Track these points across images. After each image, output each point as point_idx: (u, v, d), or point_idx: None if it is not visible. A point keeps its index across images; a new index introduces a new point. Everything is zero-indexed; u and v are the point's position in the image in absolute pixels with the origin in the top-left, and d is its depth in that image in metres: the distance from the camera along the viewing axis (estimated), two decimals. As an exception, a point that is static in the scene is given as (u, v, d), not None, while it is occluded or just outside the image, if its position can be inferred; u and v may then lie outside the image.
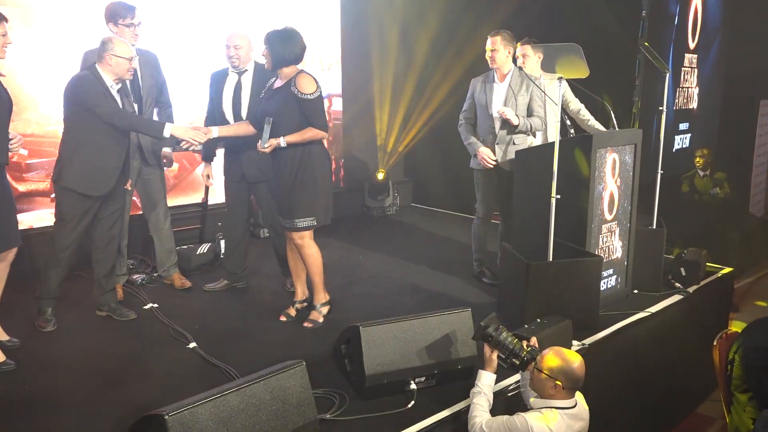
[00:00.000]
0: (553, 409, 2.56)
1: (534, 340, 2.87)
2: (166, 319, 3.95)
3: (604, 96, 4.25)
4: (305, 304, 4.01)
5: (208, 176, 4.49)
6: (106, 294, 3.95)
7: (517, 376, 3.05)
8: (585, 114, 4.68)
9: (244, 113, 4.10)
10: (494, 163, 4.33)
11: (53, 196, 4.14)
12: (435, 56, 6.92)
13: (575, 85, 4.44)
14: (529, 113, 4.31)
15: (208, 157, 4.44)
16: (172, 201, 5.12)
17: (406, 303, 4.27)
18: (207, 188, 5.13)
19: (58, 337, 3.71)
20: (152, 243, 4.61)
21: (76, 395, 3.09)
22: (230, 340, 3.72)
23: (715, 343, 2.98)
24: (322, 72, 6.56)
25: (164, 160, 4.47)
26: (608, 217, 4.12)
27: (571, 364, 2.57)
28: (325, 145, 3.89)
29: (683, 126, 7.43)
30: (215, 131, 3.86)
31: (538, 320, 3.36)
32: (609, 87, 4.89)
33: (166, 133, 3.71)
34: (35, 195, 4.94)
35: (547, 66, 4.30)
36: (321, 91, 3.67)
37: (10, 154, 3.41)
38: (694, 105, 7.55)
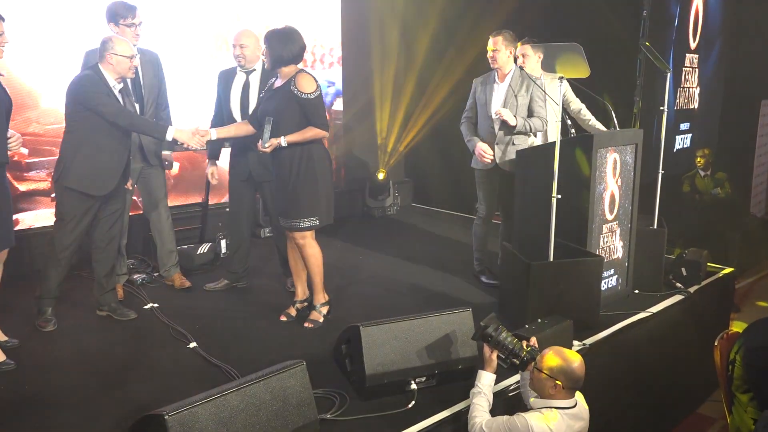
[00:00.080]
0: (553, 409, 2.55)
1: (534, 340, 2.86)
2: (167, 318, 3.94)
3: (604, 96, 4.24)
4: (306, 304, 4.00)
5: (212, 174, 4.49)
6: (106, 294, 3.95)
7: (517, 377, 3.05)
8: (586, 114, 4.67)
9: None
10: (491, 158, 4.33)
11: (53, 195, 4.14)
12: (435, 56, 6.92)
13: (576, 84, 4.43)
14: (530, 113, 4.30)
15: (213, 155, 4.45)
16: (173, 201, 5.12)
17: (406, 303, 4.27)
18: (207, 188, 5.14)
19: (59, 337, 3.70)
20: (153, 243, 4.61)
21: (76, 395, 3.08)
22: (230, 339, 3.72)
23: (716, 344, 2.98)
24: (323, 71, 6.57)
25: (165, 162, 4.47)
26: (609, 217, 4.11)
27: (571, 363, 2.57)
28: (326, 144, 3.89)
29: (684, 126, 7.42)
30: (213, 133, 3.86)
31: (539, 320, 3.36)
32: (610, 87, 4.90)
33: (169, 136, 3.72)
34: (35, 194, 4.93)
35: (548, 65, 4.30)
36: (321, 91, 3.67)
37: (10, 153, 3.41)
38: (695, 105, 7.55)
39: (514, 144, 4.30)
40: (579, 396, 2.66)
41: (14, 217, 4.64)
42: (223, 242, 5.12)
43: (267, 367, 2.65)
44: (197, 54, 5.50)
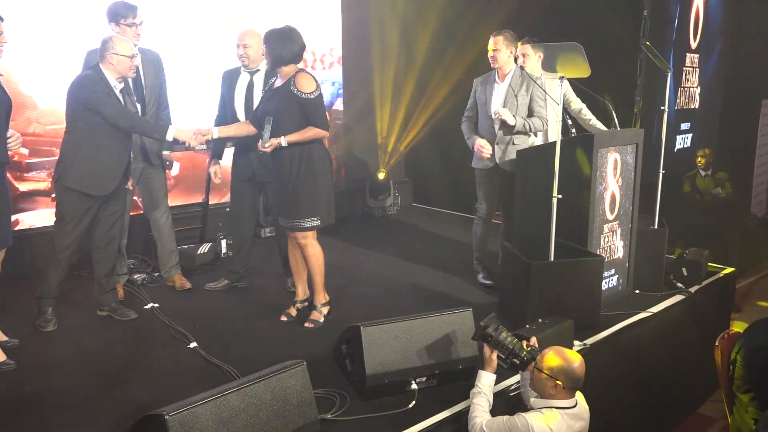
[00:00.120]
0: (553, 409, 2.55)
1: (534, 340, 2.86)
2: (167, 318, 3.94)
3: (605, 95, 4.24)
4: (306, 303, 4.00)
5: (215, 173, 4.48)
6: (106, 294, 3.94)
7: (517, 377, 3.05)
8: (586, 113, 4.67)
9: None
10: (490, 153, 4.32)
11: (53, 195, 4.14)
12: (436, 55, 6.91)
13: (577, 84, 4.43)
14: (530, 113, 4.30)
15: (217, 154, 4.44)
16: (173, 201, 5.12)
17: (406, 303, 4.26)
18: (208, 188, 5.14)
19: (59, 337, 3.70)
20: (153, 243, 4.60)
21: (76, 395, 3.08)
22: (231, 339, 3.72)
23: (716, 344, 2.98)
24: (324, 71, 6.57)
25: (167, 162, 4.47)
26: (610, 216, 4.11)
27: (572, 363, 2.57)
28: (326, 144, 3.88)
29: (685, 126, 7.41)
30: (215, 132, 3.87)
31: (540, 320, 3.35)
32: (610, 86, 4.89)
33: (170, 136, 3.71)
34: (35, 194, 4.93)
35: (548, 65, 4.29)
36: (321, 90, 3.66)
37: (10, 153, 3.41)
38: (695, 105, 7.54)
39: (514, 144, 4.30)
40: (579, 396, 2.66)
41: (15, 217, 4.66)
42: (223, 242, 5.12)
43: (267, 367, 2.65)
44: (198, 54, 5.50)
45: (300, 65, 3.72)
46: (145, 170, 4.29)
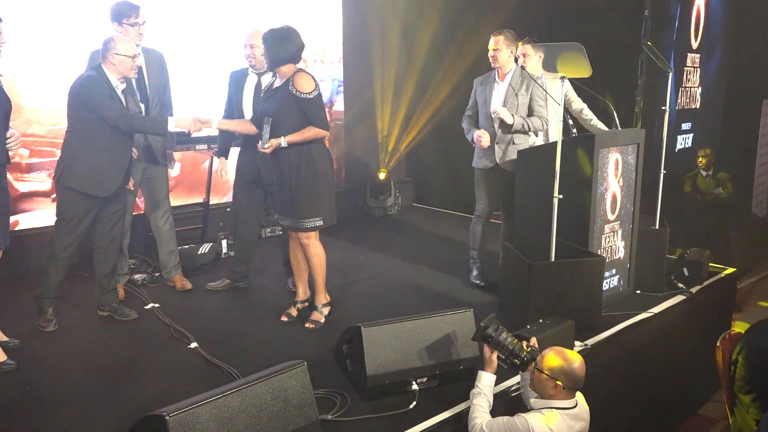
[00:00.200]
0: (553, 410, 2.55)
1: (534, 341, 2.85)
2: (168, 318, 3.94)
3: (606, 95, 4.24)
4: (306, 304, 4.00)
5: (221, 171, 4.48)
6: (107, 294, 3.94)
7: (517, 377, 3.04)
8: (587, 113, 4.66)
9: None
10: (488, 142, 4.31)
11: (54, 196, 4.13)
12: (436, 55, 6.91)
13: (578, 84, 4.43)
14: (530, 113, 4.29)
15: (222, 152, 4.44)
16: (174, 201, 5.12)
17: (407, 303, 4.26)
18: (209, 188, 5.13)
19: (59, 337, 3.70)
20: (154, 243, 4.60)
21: (76, 395, 3.09)
22: (231, 340, 3.72)
23: (718, 344, 2.97)
24: (323, 66, 6.57)
25: (171, 162, 4.46)
26: (611, 217, 4.11)
27: (572, 364, 2.56)
28: (326, 144, 3.88)
29: (686, 126, 7.40)
30: (214, 122, 3.87)
31: (540, 320, 3.35)
32: (611, 86, 4.89)
33: (171, 128, 3.71)
34: (36, 195, 4.93)
35: (549, 65, 4.29)
36: (320, 90, 3.66)
37: (10, 153, 3.41)
38: (696, 105, 7.53)
39: (514, 144, 4.30)
40: (579, 396, 2.66)
41: (15, 217, 4.67)
42: (224, 242, 5.12)
43: (268, 367, 2.65)
44: (201, 53, 5.50)
45: (300, 65, 3.72)
46: (148, 169, 4.29)
